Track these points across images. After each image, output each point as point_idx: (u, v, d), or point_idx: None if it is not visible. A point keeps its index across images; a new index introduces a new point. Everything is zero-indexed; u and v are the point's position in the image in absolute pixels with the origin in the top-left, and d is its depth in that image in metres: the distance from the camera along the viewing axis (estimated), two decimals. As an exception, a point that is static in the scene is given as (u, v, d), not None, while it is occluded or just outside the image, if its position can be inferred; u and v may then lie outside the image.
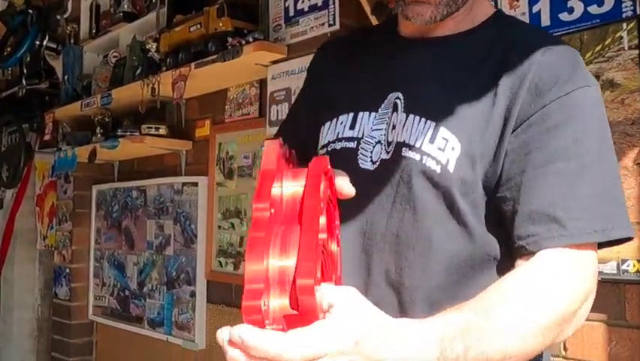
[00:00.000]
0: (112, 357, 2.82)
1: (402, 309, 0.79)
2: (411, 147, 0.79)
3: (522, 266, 0.73)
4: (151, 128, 2.36)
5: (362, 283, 0.81)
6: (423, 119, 0.79)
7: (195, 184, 2.34)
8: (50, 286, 3.18)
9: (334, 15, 1.75)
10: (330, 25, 1.76)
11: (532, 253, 0.72)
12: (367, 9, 1.63)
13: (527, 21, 1.42)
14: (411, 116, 0.80)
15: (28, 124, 3.16)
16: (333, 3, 1.74)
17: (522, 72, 0.76)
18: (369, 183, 0.81)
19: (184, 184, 2.40)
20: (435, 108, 0.79)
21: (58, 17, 2.93)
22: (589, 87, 0.76)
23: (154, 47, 2.27)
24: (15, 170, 3.23)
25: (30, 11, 2.91)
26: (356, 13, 1.73)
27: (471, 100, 0.78)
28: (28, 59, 2.98)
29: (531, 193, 0.73)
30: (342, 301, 0.56)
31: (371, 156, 0.82)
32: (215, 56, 1.94)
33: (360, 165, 0.83)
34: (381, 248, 0.80)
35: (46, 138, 2.88)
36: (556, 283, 0.70)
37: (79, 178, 2.92)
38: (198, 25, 2.05)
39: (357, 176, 0.75)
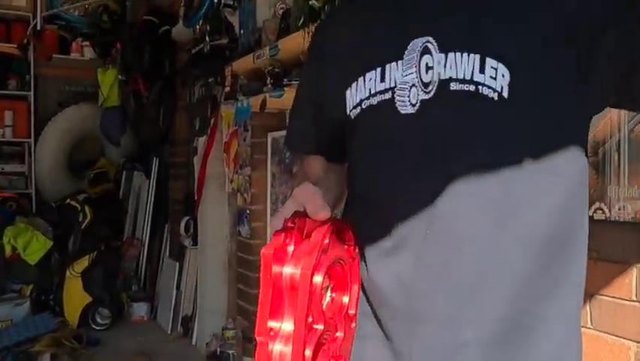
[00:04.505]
0: (287, 292, 3.05)
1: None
2: (461, 81, 0.79)
3: None
4: (314, 76, 2.42)
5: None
6: (465, 54, 0.79)
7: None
8: (236, 224, 3.51)
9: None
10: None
11: None
12: None
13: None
14: (450, 54, 0.81)
15: (214, 77, 3.46)
16: None
17: None
18: (414, 126, 0.83)
19: (345, 131, 2.45)
20: (473, 42, 0.80)
21: (235, -26, 3.11)
22: None
23: (314, -5, 2.32)
24: (204, 120, 3.58)
25: (210, -29, 3.13)
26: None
27: (504, 26, 0.81)
28: (210, 16, 3.22)
29: None
30: None
31: (409, 100, 0.84)
32: (367, 0, 1.91)
33: (401, 110, 0.84)
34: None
35: (227, 89, 3.12)
36: None
37: (256, 126, 3.14)
38: (353, -30, 2.03)
39: (400, 122, 0.84)
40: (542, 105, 0.81)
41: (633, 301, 1.39)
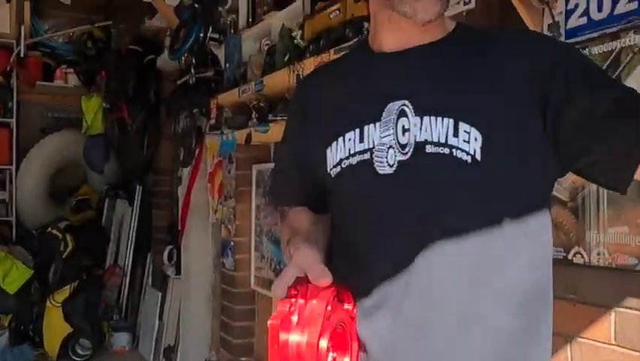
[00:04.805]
0: (271, 324, 3.04)
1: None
2: (436, 144, 0.84)
3: None
4: (299, 112, 2.45)
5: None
6: (439, 118, 0.84)
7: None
8: (220, 255, 3.50)
9: (470, -7, 1.66)
10: (465, 4, 1.68)
11: None
12: (504, -16, 1.53)
13: None
14: (425, 117, 0.85)
15: (198, 109, 3.47)
16: (469, -20, 1.66)
17: (515, 50, 0.87)
18: (392, 185, 0.87)
19: (330, 166, 2.48)
20: (447, 107, 0.85)
21: (220, 9, 3.15)
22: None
23: (299, 34, 2.35)
24: (189, 151, 3.58)
25: (196, 6, 3.17)
26: (493, -10, 1.63)
27: (477, 90, 0.86)
28: (195, 50, 3.25)
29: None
30: None
31: (387, 161, 0.88)
32: (352, 42, 1.96)
33: (379, 171, 0.88)
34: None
35: (212, 122, 3.14)
36: None
37: (240, 159, 3.16)
38: (337, 12, 2.08)
39: (378, 182, 0.88)
40: (513, 168, 0.85)
41: (612, 344, 1.42)
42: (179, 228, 3.90)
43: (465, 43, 0.91)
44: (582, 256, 1.46)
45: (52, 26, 5.31)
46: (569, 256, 1.48)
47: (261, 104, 2.76)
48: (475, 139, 0.83)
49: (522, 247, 0.87)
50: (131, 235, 4.70)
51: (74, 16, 5.26)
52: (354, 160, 0.92)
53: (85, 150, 4.83)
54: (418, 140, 0.86)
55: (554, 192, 1.49)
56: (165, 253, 4.20)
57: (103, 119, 4.76)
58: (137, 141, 4.54)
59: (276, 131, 2.52)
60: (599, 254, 1.42)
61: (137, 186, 4.70)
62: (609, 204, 1.40)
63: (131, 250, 4.69)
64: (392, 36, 0.94)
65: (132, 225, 4.70)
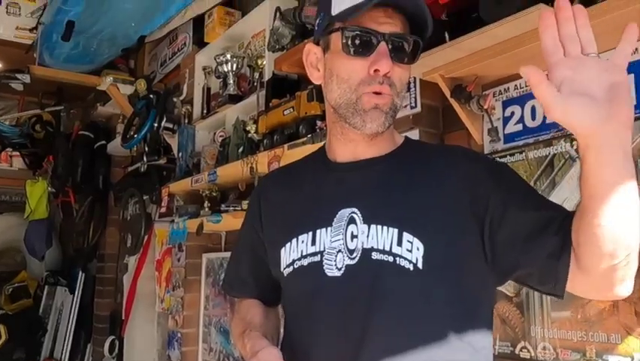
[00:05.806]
0: (218, 421, 2.91)
1: None
2: (381, 251, 0.90)
3: None
4: (251, 203, 2.49)
5: None
6: (385, 227, 0.91)
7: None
8: (166, 347, 3.37)
9: (415, 98, 1.78)
10: (412, 108, 1.79)
11: None
12: (447, 92, 1.65)
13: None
14: (373, 226, 0.92)
15: (149, 196, 3.45)
16: (414, 86, 1.78)
17: (456, 169, 0.94)
18: (339, 288, 0.92)
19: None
20: (392, 217, 0.92)
21: (175, 100, 3.22)
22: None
23: (253, 128, 2.43)
24: (137, 238, 3.53)
25: (151, 96, 3.23)
26: (436, 96, 1.75)
27: (421, 203, 0.93)
28: (148, 138, 3.27)
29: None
30: None
31: (336, 264, 0.93)
32: (305, 139, 2.04)
33: (328, 273, 0.94)
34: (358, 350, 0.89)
35: (162, 210, 3.12)
36: None
37: (191, 247, 3.12)
38: (291, 109, 2.17)
39: (326, 284, 0.93)
40: (453, 276, 0.91)
41: None
42: (123, 317, 3.76)
43: (411, 158, 1.00)
44: (528, 351, 1.51)
45: (1, 109, 5.25)
46: (516, 351, 1.53)
47: (214, 193, 2.78)
48: (418, 248, 0.89)
49: (460, 352, 0.90)
50: (70, 325, 4.47)
51: (24, 100, 5.23)
52: (305, 261, 0.97)
53: (26, 235, 4.68)
54: (365, 246, 0.92)
55: (500, 288, 1.55)
56: (106, 345, 4.01)
57: (47, 203, 4.65)
58: (83, 226, 4.43)
59: (228, 221, 2.53)
60: (544, 349, 1.47)
61: (80, 273, 4.53)
62: (552, 299, 1.47)
63: (69, 342, 4.44)
64: (344, 148, 1.01)
65: (72, 314, 4.48)
